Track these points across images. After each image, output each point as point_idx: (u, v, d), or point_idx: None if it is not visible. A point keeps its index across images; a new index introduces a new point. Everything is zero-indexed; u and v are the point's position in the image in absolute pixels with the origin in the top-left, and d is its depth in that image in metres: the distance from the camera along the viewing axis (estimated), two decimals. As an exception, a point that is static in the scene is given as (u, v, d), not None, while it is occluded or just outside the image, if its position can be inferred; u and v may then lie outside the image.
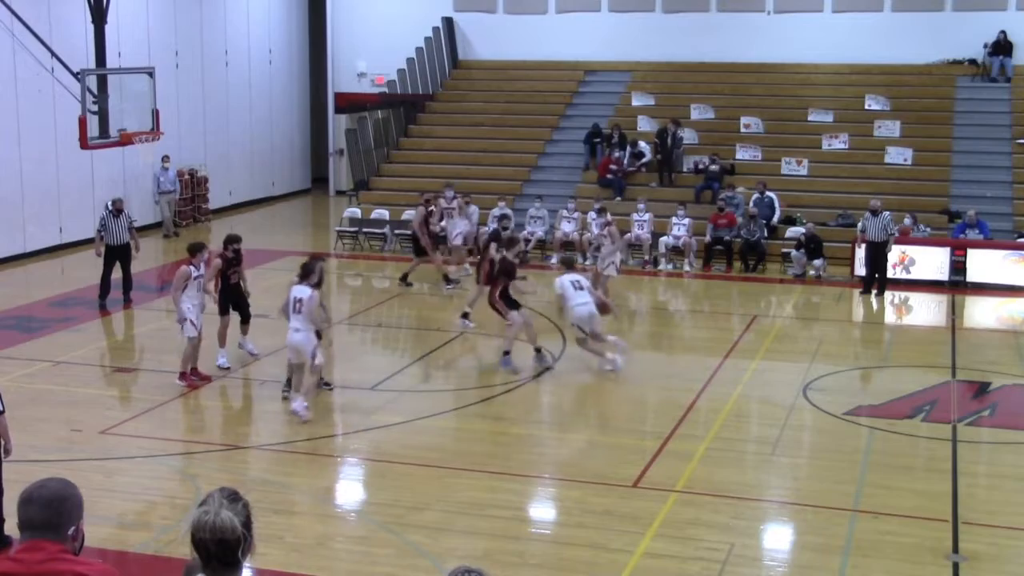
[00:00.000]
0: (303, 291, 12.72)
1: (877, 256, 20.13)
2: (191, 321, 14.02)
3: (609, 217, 20.25)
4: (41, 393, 14.02)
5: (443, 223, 21.76)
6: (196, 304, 14.15)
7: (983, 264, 20.93)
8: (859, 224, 21.11)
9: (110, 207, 18.71)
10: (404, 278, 20.37)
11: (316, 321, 12.97)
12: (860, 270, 20.83)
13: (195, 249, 14.35)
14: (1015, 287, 20.51)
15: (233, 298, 15.20)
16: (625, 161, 25.46)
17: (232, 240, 15.21)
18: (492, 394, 14.25)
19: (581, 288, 14.95)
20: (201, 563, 3.53)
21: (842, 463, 11.88)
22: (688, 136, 26.01)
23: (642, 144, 25.82)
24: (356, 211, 25.58)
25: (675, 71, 29.10)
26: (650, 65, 29.20)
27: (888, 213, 20.75)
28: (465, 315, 17.37)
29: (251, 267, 16.66)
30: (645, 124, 26.47)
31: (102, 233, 18.43)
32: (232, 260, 15.11)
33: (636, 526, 10.03)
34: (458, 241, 22.15)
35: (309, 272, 12.84)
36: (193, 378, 14.22)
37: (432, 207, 20.82)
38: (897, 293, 20.53)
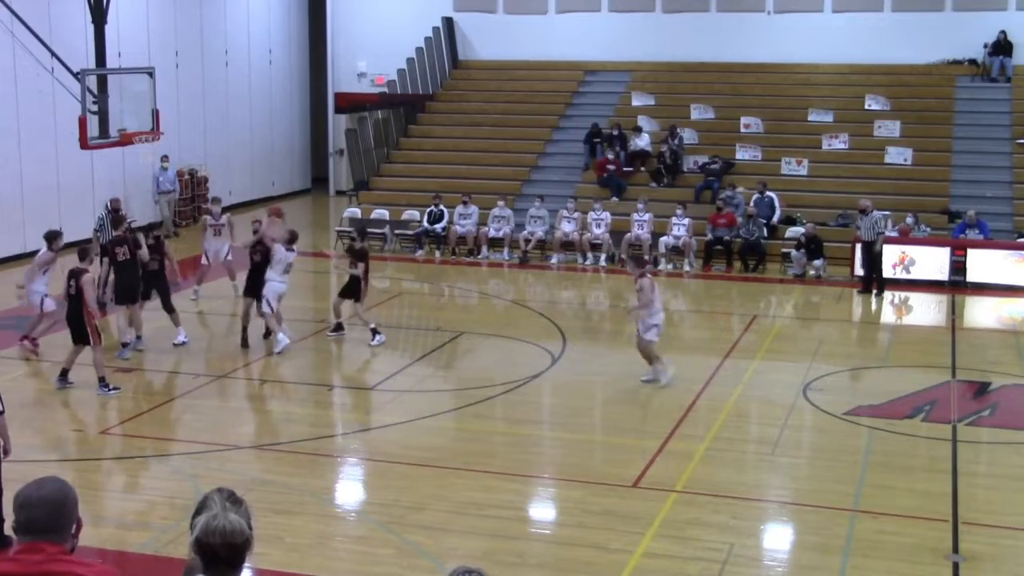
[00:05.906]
0: None
1: (871, 255, 20.14)
2: (49, 297, 15.55)
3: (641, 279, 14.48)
4: (41, 393, 14.04)
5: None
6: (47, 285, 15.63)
7: (983, 264, 20.92)
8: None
9: (108, 207, 18.72)
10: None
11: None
12: (860, 270, 20.83)
13: (52, 237, 15.66)
14: (1015, 287, 20.50)
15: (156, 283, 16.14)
16: (621, 158, 25.42)
17: (152, 228, 16.93)
18: (492, 394, 14.25)
19: (287, 272, 16.04)
20: (203, 565, 3.50)
21: (842, 463, 11.88)
22: (688, 136, 26.00)
23: (643, 137, 25.80)
24: (356, 211, 25.59)
25: (675, 71, 29.09)
26: (650, 65, 29.19)
27: (877, 212, 20.74)
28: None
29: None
30: (645, 124, 26.45)
31: (99, 233, 18.43)
32: (152, 247, 15.94)
33: (636, 526, 10.03)
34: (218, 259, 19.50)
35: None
36: (30, 345, 15.49)
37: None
38: (897, 293, 20.52)
